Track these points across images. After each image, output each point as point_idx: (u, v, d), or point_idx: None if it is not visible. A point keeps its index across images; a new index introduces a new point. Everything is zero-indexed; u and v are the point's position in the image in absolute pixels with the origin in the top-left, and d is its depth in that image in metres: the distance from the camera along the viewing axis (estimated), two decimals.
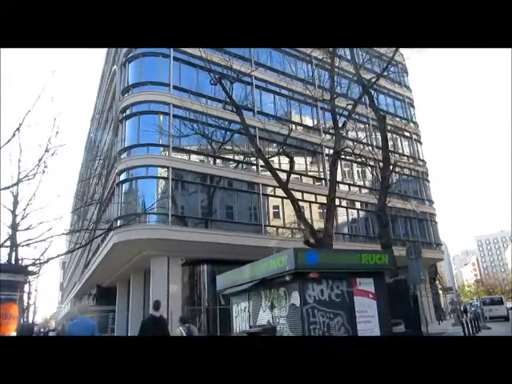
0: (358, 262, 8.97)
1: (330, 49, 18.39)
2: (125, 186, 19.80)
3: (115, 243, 18.70)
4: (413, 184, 32.15)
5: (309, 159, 26.44)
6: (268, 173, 22.97)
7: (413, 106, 35.41)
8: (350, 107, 18.90)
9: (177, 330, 7.87)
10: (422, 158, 33.69)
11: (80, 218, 29.37)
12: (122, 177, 19.82)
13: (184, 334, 7.69)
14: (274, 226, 22.54)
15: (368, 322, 8.79)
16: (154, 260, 19.85)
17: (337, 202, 19.01)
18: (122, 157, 20.21)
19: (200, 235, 19.20)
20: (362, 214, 27.86)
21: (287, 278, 8.80)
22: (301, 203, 23.67)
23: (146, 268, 22.28)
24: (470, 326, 13.86)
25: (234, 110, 17.48)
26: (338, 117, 17.66)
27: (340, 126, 17.58)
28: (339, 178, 26.58)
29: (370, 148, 25.41)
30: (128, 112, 20.82)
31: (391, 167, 13.88)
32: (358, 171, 28.84)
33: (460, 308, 33.76)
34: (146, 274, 23.60)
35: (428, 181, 33.42)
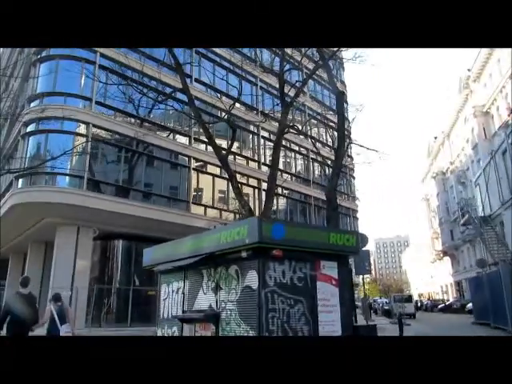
0: (325, 242, 7.65)
1: None
2: (32, 140, 16.63)
3: (14, 205, 15.61)
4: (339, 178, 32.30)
5: (246, 141, 24.99)
6: (200, 146, 21.28)
7: (346, 102, 35.52)
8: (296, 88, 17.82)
9: (47, 308, 7.56)
10: (349, 154, 33.93)
11: None
12: (30, 128, 16.62)
13: (54, 313, 7.57)
14: (201, 205, 20.72)
15: (329, 313, 7.52)
16: (60, 229, 17.02)
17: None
18: (31, 105, 16.98)
19: (118, 205, 16.79)
20: (299, 205, 27.17)
21: (243, 254, 7.19)
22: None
23: (48, 239, 19.29)
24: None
25: (174, 65, 15.36)
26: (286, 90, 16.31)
27: (289, 101, 16.28)
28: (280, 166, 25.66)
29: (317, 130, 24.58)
30: (44, 54, 17.56)
31: (346, 147, 12.97)
32: (299, 163, 28.06)
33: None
34: (48, 246, 20.54)
35: (354, 177, 33.83)
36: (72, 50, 17.20)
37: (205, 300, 8.12)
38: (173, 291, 9.25)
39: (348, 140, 13.22)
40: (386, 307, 33.80)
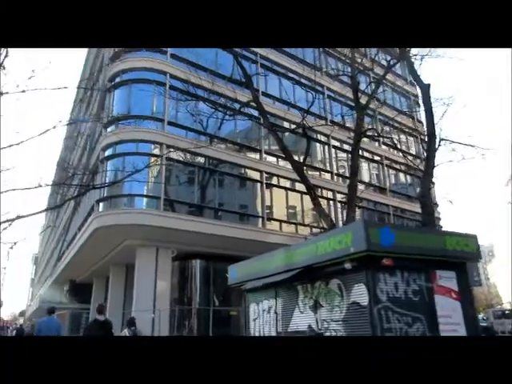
0: (441, 248, 6.55)
1: None
2: (110, 164, 16.99)
3: (96, 229, 15.90)
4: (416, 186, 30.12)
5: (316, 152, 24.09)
6: (271, 159, 20.73)
7: (418, 104, 33.48)
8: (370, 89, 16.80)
9: (121, 333, 7.69)
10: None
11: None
12: (108, 153, 17.04)
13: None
14: (276, 220, 20.00)
15: (453, 332, 6.35)
16: (140, 251, 17.10)
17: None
18: (108, 130, 17.45)
19: (194, 224, 16.54)
20: (376, 216, 25.69)
21: (347, 266, 6.30)
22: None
23: (129, 262, 19.53)
24: None
25: (243, 78, 15.07)
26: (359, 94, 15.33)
27: (364, 103, 15.25)
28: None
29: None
30: (117, 80, 18.08)
31: (436, 145, 11.67)
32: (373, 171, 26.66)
33: None
34: (128, 268, 20.83)
35: (433, 183, 31.44)
36: (143, 74, 17.55)
37: (302, 319, 7.29)
38: (263, 310, 8.51)
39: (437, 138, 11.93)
40: (484, 324, 30.44)
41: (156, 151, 16.98)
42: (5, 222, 7.94)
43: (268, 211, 19.75)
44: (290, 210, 20.97)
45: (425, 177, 11.76)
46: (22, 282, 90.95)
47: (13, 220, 7.93)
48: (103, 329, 7.35)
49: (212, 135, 18.74)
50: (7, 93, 7.69)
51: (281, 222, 20.05)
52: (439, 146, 11.89)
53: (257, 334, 8.64)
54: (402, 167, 28.45)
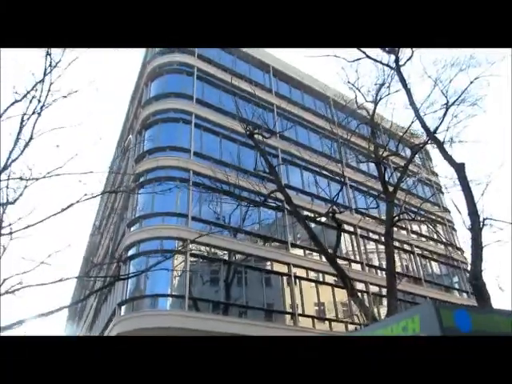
0: None
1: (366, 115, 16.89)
2: (133, 264, 16.42)
3: (118, 334, 14.80)
4: (452, 276, 28.46)
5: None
6: (298, 252, 19.95)
7: (442, 192, 33.06)
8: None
9: None
10: (458, 245, 30.37)
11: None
12: (131, 252, 16.57)
13: None
14: (308, 316, 18.59)
15: None
16: None
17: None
18: (131, 230, 17.19)
19: (222, 324, 15.35)
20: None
21: None
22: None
23: None
24: None
25: (267, 169, 15.01)
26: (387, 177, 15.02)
27: (391, 189, 14.84)
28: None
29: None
30: (142, 179, 18.28)
31: (480, 224, 10.92)
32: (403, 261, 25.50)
33: None
34: None
35: (468, 271, 29.69)
36: (167, 172, 17.75)
37: None
38: None
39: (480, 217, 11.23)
40: None
41: (180, 248, 16.44)
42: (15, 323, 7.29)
43: (298, 308, 18.45)
44: (322, 306, 19.59)
45: (474, 258, 10.81)
46: None
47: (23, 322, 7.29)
48: None
49: (236, 228, 18.31)
50: (35, 179, 7.61)
51: (313, 318, 18.62)
52: (483, 225, 11.10)
53: None
54: (434, 256, 27.30)
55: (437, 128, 13.78)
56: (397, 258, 25.47)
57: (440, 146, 12.81)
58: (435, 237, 28.66)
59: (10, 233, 7.66)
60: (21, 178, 7.47)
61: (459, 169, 11.81)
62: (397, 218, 15.17)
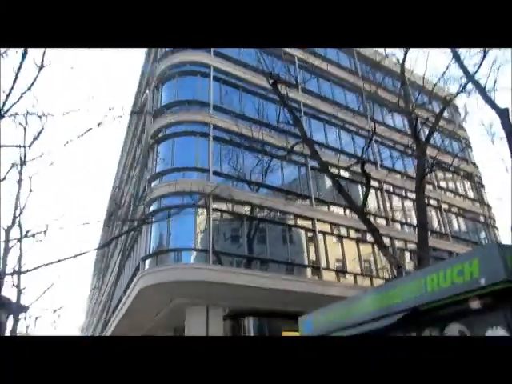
0: None
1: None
2: (155, 219, 16.25)
3: (143, 288, 14.85)
4: (479, 232, 27.66)
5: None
6: (323, 207, 19.51)
7: (470, 147, 31.79)
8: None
9: None
10: (486, 202, 29.41)
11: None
12: (152, 208, 16.37)
13: None
14: (332, 270, 18.36)
15: None
16: (189, 311, 15.79)
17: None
18: (152, 185, 16.92)
19: (247, 277, 15.23)
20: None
21: (474, 304, 4.80)
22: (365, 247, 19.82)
23: (177, 325, 18.18)
24: None
25: (290, 121, 14.41)
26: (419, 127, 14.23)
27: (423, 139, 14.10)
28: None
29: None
30: (161, 135, 17.85)
31: None
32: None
33: None
34: (176, 332, 19.43)
35: (496, 228, 28.93)
36: (186, 127, 17.27)
37: None
38: None
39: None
40: None
41: (202, 202, 16.16)
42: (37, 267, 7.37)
43: (325, 259, 18.20)
44: (346, 261, 19.26)
45: None
46: None
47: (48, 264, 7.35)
48: None
49: (259, 183, 17.88)
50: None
51: (337, 271, 18.38)
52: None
53: None
54: (461, 212, 26.54)
55: (476, 71, 12.86)
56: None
57: (481, 89, 12.03)
58: (462, 192, 27.87)
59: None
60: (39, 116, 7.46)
61: (503, 114, 11.03)
62: (428, 169, 14.56)
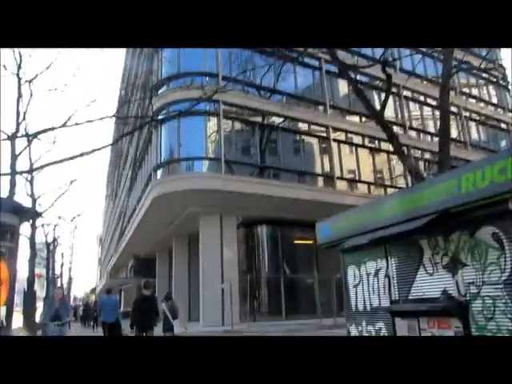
0: None
1: None
2: (164, 127, 15.75)
3: (155, 197, 14.83)
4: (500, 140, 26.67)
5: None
6: (337, 116, 18.68)
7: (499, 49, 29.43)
8: None
9: (160, 307, 8.17)
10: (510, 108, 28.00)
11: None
12: (161, 115, 15.77)
13: (167, 311, 8.17)
14: (346, 180, 18.11)
15: None
16: (203, 219, 15.95)
17: None
18: (159, 92, 16.13)
19: (259, 186, 15.05)
20: None
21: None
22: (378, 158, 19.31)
23: (191, 232, 18.54)
24: None
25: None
26: None
27: None
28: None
29: None
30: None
31: None
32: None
33: None
34: (191, 239, 19.93)
35: None
36: None
37: (432, 283, 5.53)
38: (368, 274, 6.82)
39: None
40: None
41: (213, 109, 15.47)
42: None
43: (339, 168, 17.87)
44: (363, 170, 18.87)
45: None
46: (91, 262, 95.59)
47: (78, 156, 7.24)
48: (148, 303, 7.80)
49: (271, 89, 16.96)
50: None
51: (351, 181, 18.13)
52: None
53: (360, 303, 7.02)
54: (483, 118, 25.38)
55: None
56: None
57: None
58: (485, 98, 26.48)
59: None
60: None
61: None
62: (455, 70, 13.48)
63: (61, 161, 7.73)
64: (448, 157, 12.20)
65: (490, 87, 27.53)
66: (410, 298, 5.96)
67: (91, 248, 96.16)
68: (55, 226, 26.80)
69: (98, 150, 7.98)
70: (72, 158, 7.69)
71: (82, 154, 7.66)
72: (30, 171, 12.41)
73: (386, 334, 6.26)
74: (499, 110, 26.59)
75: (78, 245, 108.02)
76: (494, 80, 27.27)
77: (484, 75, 26.78)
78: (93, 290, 68.22)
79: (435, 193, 5.33)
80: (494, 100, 27.18)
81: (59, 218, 26.42)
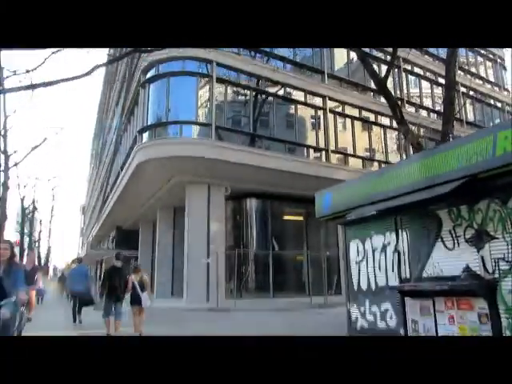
0: None
1: None
2: (152, 87, 14.66)
3: (140, 163, 13.87)
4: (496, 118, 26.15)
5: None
6: (335, 87, 17.78)
7: None
8: None
9: (129, 279, 8.10)
10: (506, 86, 27.46)
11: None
12: (150, 74, 14.68)
13: (136, 283, 8.00)
14: (342, 153, 17.37)
15: None
16: (190, 189, 15.09)
17: None
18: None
19: (251, 156, 14.21)
20: None
21: None
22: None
23: (177, 204, 17.72)
24: None
25: None
26: None
27: None
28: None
29: None
30: None
31: None
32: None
33: None
34: (177, 211, 19.11)
35: None
36: None
37: (452, 259, 4.87)
38: (374, 249, 6.12)
39: None
40: None
41: (205, 70, 14.43)
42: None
43: (334, 141, 17.10)
44: (358, 144, 18.13)
45: None
46: (74, 233, 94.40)
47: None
48: (118, 274, 8.03)
49: (267, 52, 15.94)
50: None
51: (346, 155, 17.40)
52: None
53: (364, 282, 6.37)
54: (479, 95, 24.78)
55: None
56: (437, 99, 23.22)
57: None
58: (483, 75, 25.81)
59: None
60: None
61: None
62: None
63: (34, 86, 6.94)
64: (451, 129, 11.58)
65: (488, 64, 26.87)
66: (423, 275, 5.29)
67: (74, 218, 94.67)
68: (32, 187, 25.62)
69: (78, 78, 7.14)
70: (50, 84, 6.88)
71: (62, 80, 6.86)
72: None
73: (394, 316, 5.64)
74: (495, 88, 25.99)
75: (60, 214, 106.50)
76: (492, 57, 26.67)
77: (483, 52, 26.12)
78: (74, 261, 67.36)
79: (463, 154, 4.59)
80: (491, 78, 26.56)
81: (36, 178, 25.23)
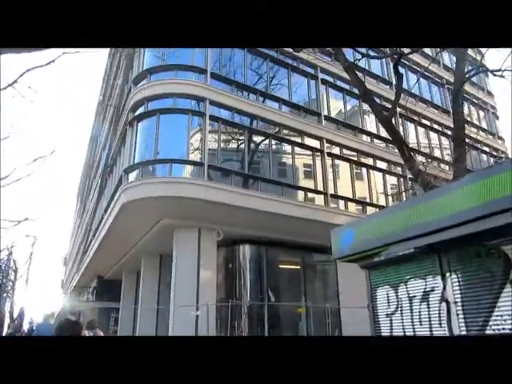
0: None
1: None
2: (141, 125, 13.79)
3: (125, 203, 12.68)
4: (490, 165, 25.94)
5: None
6: (333, 128, 17.20)
7: (487, 75, 29.25)
8: None
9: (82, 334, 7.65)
10: (500, 134, 27.46)
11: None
12: (139, 111, 13.84)
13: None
14: (341, 197, 16.44)
15: None
16: (178, 233, 13.83)
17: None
18: (138, 86, 14.24)
19: (249, 199, 13.17)
20: None
21: None
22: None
23: (164, 250, 16.41)
24: None
25: None
26: None
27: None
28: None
29: None
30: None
31: None
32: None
33: None
34: (163, 259, 17.73)
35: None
36: None
37: None
38: (411, 298, 4.97)
39: None
40: None
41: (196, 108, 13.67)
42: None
43: (333, 185, 16.23)
44: (358, 188, 17.29)
45: None
46: (55, 285, 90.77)
47: None
48: (71, 329, 6.78)
49: (263, 92, 15.37)
50: None
51: (346, 199, 16.46)
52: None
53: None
54: (474, 143, 24.62)
55: None
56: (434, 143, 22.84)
57: None
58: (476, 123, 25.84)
59: None
60: None
61: None
62: (470, 73, 12.36)
63: None
64: (464, 168, 10.86)
65: (481, 114, 27.02)
66: (491, 328, 4.11)
67: (56, 270, 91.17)
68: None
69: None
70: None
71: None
72: None
73: None
74: (489, 136, 25.94)
75: (41, 265, 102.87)
76: (484, 106, 26.91)
77: (475, 101, 26.30)
78: (52, 314, 63.89)
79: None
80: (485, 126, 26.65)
81: (5, 220, 23.72)
